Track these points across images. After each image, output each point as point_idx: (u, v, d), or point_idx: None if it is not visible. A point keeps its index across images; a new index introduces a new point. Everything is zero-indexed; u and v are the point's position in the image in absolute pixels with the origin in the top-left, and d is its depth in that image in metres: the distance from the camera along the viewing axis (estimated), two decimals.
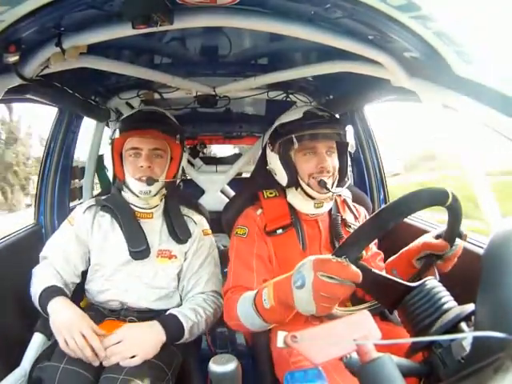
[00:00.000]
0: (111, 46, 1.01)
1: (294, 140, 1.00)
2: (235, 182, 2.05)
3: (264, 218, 1.05)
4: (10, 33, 0.68)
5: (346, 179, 1.08)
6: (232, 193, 2.09)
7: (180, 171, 1.15)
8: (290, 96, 1.53)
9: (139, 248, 1.05)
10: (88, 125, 1.66)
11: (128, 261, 1.06)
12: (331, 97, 1.52)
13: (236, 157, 2.34)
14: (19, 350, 1.09)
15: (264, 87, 1.46)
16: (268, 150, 1.10)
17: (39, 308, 0.97)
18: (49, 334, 1.16)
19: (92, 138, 1.66)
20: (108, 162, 1.14)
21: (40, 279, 1.01)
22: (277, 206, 1.08)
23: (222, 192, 2.06)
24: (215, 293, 1.10)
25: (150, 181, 1.05)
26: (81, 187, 1.77)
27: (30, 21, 0.65)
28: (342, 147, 1.06)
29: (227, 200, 1.71)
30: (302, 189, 1.03)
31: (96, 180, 1.81)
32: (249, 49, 1.21)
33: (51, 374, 0.86)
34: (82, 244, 1.09)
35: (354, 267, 0.61)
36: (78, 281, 1.10)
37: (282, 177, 1.05)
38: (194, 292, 1.09)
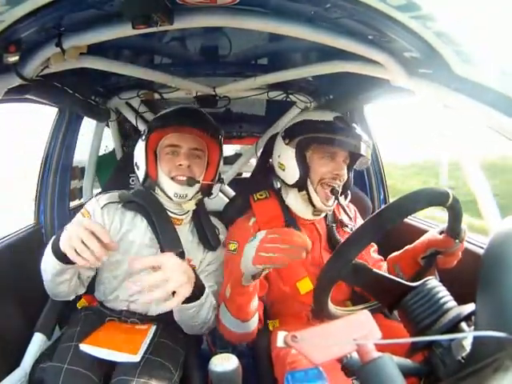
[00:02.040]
0: (111, 46, 1.00)
1: (323, 140, 0.97)
2: (235, 182, 2.05)
3: (257, 226, 1.03)
4: (10, 33, 0.67)
5: (348, 193, 1.08)
6: (232, 193, 2.09)
7: (217, 175, 1.08)
8: (290, 96, 1.53)
9: (175, 250, 0.96)
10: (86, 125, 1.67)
11: None
12: (331, 97, 1.52)
13: (236, 157, 2.34)
14: (19, 350, 1.09)
15: (264, 87, 1.46)
16: (281, 143, 1.06)
17: (56, 261, 0.81)
18: (49, 333, 1.17)
19: (92, 138, 1.67)
20: (140, 159, 1.04)
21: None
22: (268, 208, 1.06)
23: (222, 192, 2.06)
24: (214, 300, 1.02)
25: (191, 181, 0.98)
26: (81, 187, 1.77)
27: (30, 21, 0.65)
28: (352, 160, 1.06)
29: (227, 200, 1.71)
30: (308, 193, 1.01)
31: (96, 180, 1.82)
32: (249, 49, 1.21)
33: (54, 375, 0.85)
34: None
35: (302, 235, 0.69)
36: (92, 274, 1.03)
37: (291, 174, 1.02)
38: None
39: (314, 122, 1.01)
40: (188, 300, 0.75)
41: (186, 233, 1.07)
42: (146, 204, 1.03)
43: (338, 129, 0.98)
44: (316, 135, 0.99)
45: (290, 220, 1.04)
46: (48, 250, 0.83)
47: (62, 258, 0.78)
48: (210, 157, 1.07)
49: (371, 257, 1.10)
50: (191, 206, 1.05)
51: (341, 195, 1.05)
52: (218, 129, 1.09)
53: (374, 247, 1.13)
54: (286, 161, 1.03)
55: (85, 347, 0.89)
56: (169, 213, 1.05)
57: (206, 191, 1.06)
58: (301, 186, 1.01)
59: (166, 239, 0.99)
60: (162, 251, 0.98)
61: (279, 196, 1.09)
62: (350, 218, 1.12)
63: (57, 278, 0.87)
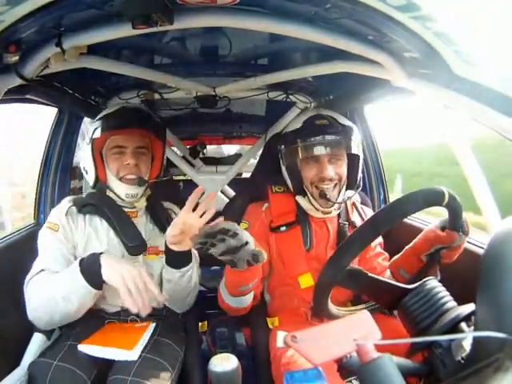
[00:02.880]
0: (111, 46, 1.00)
1: (298, 149, 1.02)
2: (235, 182, 2.05)
3: (270, 213, 1.06)
4: (10, 33, 0.67)
5: (357, 185, 1.07)
6: (232, 193, 2.09)
7: (163, 170, 1.12)
8: (290, 96, 1.53)
9: (136, 242, 1.02)
10: None
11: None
12: (331, 97, 1.52)
13: (236, 157, 2.34)
14: (19, 350, 1.09)
15: (264, 87, 1.46)
16: (280, 155, 1.11)
17: (83, 279, 0.83)
18: (49, 333, 1.17)
19: (87, 139, 1.66)
20: (87, 163, 1.06)
21: (51, 277, 0.90)
22: (284, 202, 1.09)
23: (222, 192, 2.06)
24: None
25: (142, 181, 1.02)
26: (81, 187, 1.78)
27: (30, 21, 0.65)
28: (348, 153, 1.06)
29: (227, 200, 1.71)
30: (307, 197, 1.04)
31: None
32: (249, 49, 1.21)
33: (44, 371, 0.85)
34: (71, 245, 1.03)
35: None
36: None
37: (289, 183, 1.08)
38: None
39: (288, 133, 1.07)
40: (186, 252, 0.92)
41: (143, 223, 1.10)
42: (101, 204, 1.05)
43: (307, 133, 1.01)
44: (291, 146, 1.03)
45: (302, 217, 1.07)
46: (74, 276, 0.84)
47: (99, 285, 0.85)
48: (154, 153, 1.10)
49: (380, 264, 1.09)
50: (142, 203, 1.10)
51: (349, 187, 1.06)
52: (160, 125, 1.13)
53: (383, 255, 1.12)
54: (283, 172, 1.09)
55: (82, 347, 0.89)
56: (124, 208, 1.08)
57: (154, 187, 1.11)
58: (301, 192, 1.05)
59: (127, 235, 1.02)
60: (126, 247, 1.01)
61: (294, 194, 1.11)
62: (363, 220, 1.12)
63: (85, 304, 0.88)
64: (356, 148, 1.05)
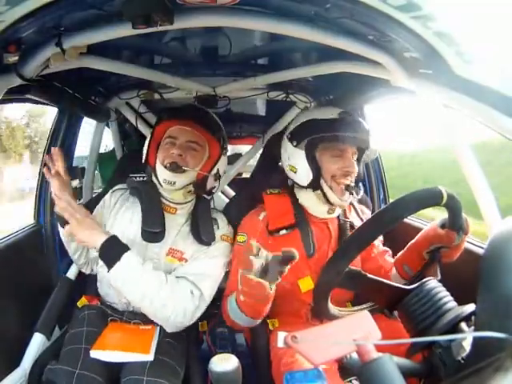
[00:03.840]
0: (111, 46, 1.00)
1: (331, 139, 0.98)
2: (235, 182, 2.05)
3: (266, 219, 1.04)
4: (10, 33, 0.67)
5: (360, 187, 1.06)
6: (232, 193, 2.09)
7: (215, 171, 1.08)
8: (290, 96, 1.53)
9: (153, 229, 0.99)
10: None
11: (138, 253, 0.96)
12: (331, 97, 1.52)
13: (236, 157, 2.34)
14: (19, 350, 1.09)
15: (264, 87, 1.46)
16: (289, 146, 1.06)
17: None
18: (49, 333, 1.17)
19: (92, 138, 1.67)
20: (145, 149, 1.12)
21: None
22: (280, 203, 1.07)
23: (222, 192, 2.06)
24: (196, 289, 0.97)
25: (174, 166, 1.01)
26: (81, 187, 1.77)
27: (30, 21, 0.65)
28: (360, 154, 1.06)
29: (227, 200, 1.71)
30: (323, 191, 1.00)
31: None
32: (249, 49, 1.21)
33: (66, 379, 0.85)
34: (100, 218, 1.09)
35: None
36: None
37: (303, 175, 1.02)
38: (177, 272, 1.01)
39: (320, 121, 1.02)
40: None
41: (180, 223, 1.09)
42: (142, 188, 1.08)
43: (344, 125, 0.99)
44: (323, 135, 0.99)
45: (301, 219, 1.04)
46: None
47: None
48: (210, 152, 1.10)
49: (386, 262, 1.09)
50: (179, 196, 1.08)
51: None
52: (219, 126, 1.14)
53: (388, 252, 1.12)
54: (297, 163, 1.03)
55: (95, 353, 0.90)
56: (163, 200, 1.09)
57: (200, 185, 1.07)
58: (315, 186, 1.01)
59: (147, 218, 1.02)
60: (143, 229, 1.00)
61: (292, 194, 1.09)
62: (362, 221, 1.11)
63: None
64: (374, 152, 1.07)
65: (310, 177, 1.00)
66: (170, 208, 1.09)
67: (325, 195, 1.00)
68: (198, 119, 1.08)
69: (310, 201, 1.05)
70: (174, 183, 1.03)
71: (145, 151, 1.11)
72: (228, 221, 1.15)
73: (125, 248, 0.91)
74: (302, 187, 1.04)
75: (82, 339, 0.95)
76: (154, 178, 1.08)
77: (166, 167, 1.03)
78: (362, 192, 1.05)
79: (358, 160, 1.05)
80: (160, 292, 0.91)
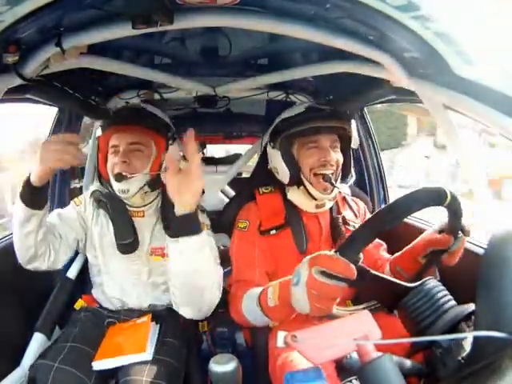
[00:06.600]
0: (111, 46, 1.00)
1: (301, 133, 0.98)
2: (235, 182, 2.05)
3: (260, 215, 1.05)
4: (10, 33, 0.67)
5: (351, 175, 1.07)
6: (232, 193, 2.09)
7: (165, 164, 1.04)
8: (290, 96, 1.53)
9: (126, 240, 1.02)
10: None
11: (121, 258, 1.05)
12: (331, 97, 1.52)
13: (236, 157, 2.34)
14: (19, 350, 1.09)
15: (264, 87, 1.46)
16: (269, 148, 1.08)
17: (23, 206, 0.89)
18: (49, 334, 1.17)
19: (92, 138, 1.66)
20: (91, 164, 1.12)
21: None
22: (271, 203, 1.07)
23: (222, 192, 2.06)
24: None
25: (119, 177, 1.01)
26: (81, 187, 1.77)
27: (30, 21, 0.65)
28: (345, 142, 1.05)
29: (227, 200, 1.71)
30: (305, 187, 1.01)
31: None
32: (249, 49, 1.21)
33: (45, 374, 0.85)
34: (81, 227, 1.09)
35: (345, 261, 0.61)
36: (69, 254, 1.09)
37: (283, 174, 1.03)
38: None
39: (288, 118, 1.04)
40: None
41: (151, 223, 1.09)
42: (108, 201, 1.08)
43: (311, 117, 1.00)
44: (293, 130, 1.00)
45: (293, 216, 1.04)
46: (17, 200, 0.90)
47: (28, 202, 0.88)
48: (157, 148, 1.07)
49: (381, 256, 1.09)
50: (138, 200, 1.08)
51: (342, 179, 1.05)
52: (159, 120, 1.10)
53: (383, 246, 1.12)
54: (277, 163, 1.04)
55: (97, 365, 0.90)
56: (129, 207, 1.09)
57: (154, 183, 1.05)
58: (296, 182, 1.02)
59: (118, 228, 1.04)
60: (117, 243, 1.03)
61: (283, 192, 1.09)
62: (356, 216, 1.11)
63: (22, 229, 0.92)
64: (353, 140, 1.05)
65: (288, 175, 1.01)
66: (137, 213, 1.10)
67: (308, 191, 1.01)
68: (134, 120, 1.05)
69: (298, 198, 1.05)
70: (128, 190, 1.03)
71: (96, 167, 1.11)
72: (228, 221, 1.15)
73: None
74: (288, 185, 1.05)
75: (70, 338, 0.96)
76: (111, 190, 1.08)
77: (114, 179, 1.03)
78: (353, 179, 1.06)
79: (345, 149, 1.05)
80: (213, 277, 0.80)
